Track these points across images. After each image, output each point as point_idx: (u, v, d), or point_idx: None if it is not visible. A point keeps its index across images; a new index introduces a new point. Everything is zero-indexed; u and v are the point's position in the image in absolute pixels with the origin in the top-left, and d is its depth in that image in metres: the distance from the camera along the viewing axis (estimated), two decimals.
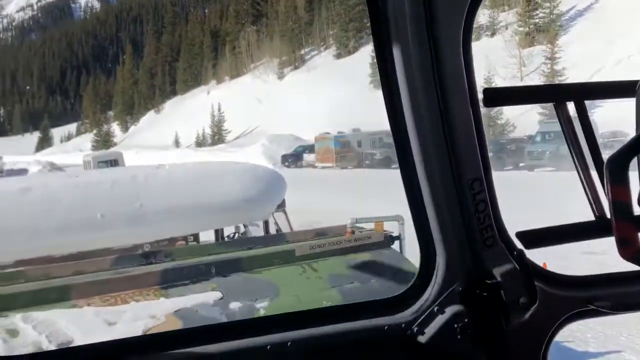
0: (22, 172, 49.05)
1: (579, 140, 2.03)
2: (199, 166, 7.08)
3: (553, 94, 2.16)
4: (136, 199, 6.39)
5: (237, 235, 8.87)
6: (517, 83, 58.53)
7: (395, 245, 5.50)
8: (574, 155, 2.02)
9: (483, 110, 1.98)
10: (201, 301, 4.36)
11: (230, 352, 1.87)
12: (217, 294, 4.43)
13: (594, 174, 2.00)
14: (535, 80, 55.29)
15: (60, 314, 4.12)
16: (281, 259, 5.02)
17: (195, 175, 6.96)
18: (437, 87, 1.89)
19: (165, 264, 5.08)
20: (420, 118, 1.91)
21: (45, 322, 4.01)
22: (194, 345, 1.86)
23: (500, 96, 2.14)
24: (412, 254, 3.81)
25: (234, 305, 4.34)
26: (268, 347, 1.90)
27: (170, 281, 4.55)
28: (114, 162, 42.04)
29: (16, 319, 4.02)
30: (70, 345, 1.91)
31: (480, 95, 1.94)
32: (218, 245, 6.25)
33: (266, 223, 7.65)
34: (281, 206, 7.57)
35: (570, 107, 2.04)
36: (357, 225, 5.71)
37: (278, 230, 7.83)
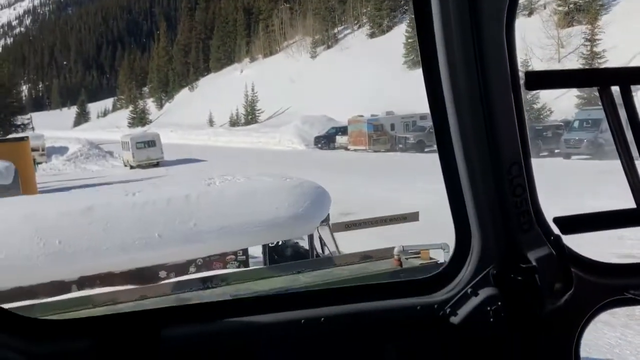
0: (63, 149, 50.46)
1: (622, 126, 1.97)
2: (248, 183, 7.34)
3: (597, 78, 2.08)
4: (190, 218, 6.72)
5: (280, 242, 9.19)
6: (555, 65, 57.24)
7: None
8: (617, 141, 1.98)
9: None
10: None
11: (265, 324, 1.91)
12: None
13: (638, 162, 1.99)
14: (574, 62, 53.98)
15: None
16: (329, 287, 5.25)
17: (244, 192, 7.25)
18: (478, 68, 1.87)
19: (223, 290, 5.37)
20: (460, 100, 1.89)
21: None
22: (228, 317, 1.91)
23: (543, 79, 2.09)
24: None
25: None
26: (302, 322, 1.92)
27: None
28: (151, 143, 42.90)
29: None
30: (110, 313, 1.98)
31: (522, 78, 1.92)
32: (268, 269, 6.52)
33: (311, 237, 7.90)
34: (326, 220, 7.81)
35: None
36: (405, 251, 5.90)
37: (322, 243, 8.08)
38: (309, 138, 51.14)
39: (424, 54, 1.93)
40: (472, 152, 1.93)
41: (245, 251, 7.34)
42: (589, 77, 2.21)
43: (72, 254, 6.13)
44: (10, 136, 50.85)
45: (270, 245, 8.77)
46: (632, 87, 2.00)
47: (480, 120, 1.90)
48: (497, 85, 1.88)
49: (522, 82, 1.90)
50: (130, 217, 6.40)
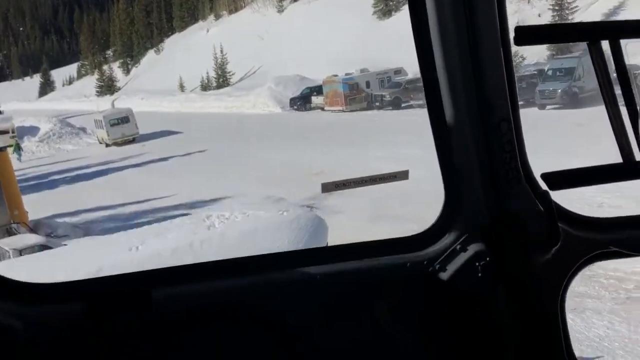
0: (34, 129, 49.40)
1: (611, 81, 1.97)
2: (246, 221, 7.48)
3: (587, 32, 2.05)
4: None
5: None
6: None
7: None
8: (605, 97, 1.97)
9: None
10: None
11: (255, 283, 1.95)
12: None
13: (625, 116, 1.99)
14: None
15: None
16: None
17: (245, 232, 7.39)
18: (467, 24, 1.86)
19: None
20: (450, 56, 1.89)
21: None
22: (219, 277, 1.95)
23: (533, 34, 2.06)
24: None
25: None
26: (295, 280, 1.98)
27: None
28: (125, 119, 42.38)
29: None
30: (99, 276, 2.00)
31: (511, 33, 1.91)
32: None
33: None
34: None
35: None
36: None
37: None
38: (284, 100, 50.65)
39: (414, 10, 1.92)
40: (462, 109, 1.93)
41: None
42: (578, 31, 2.16)
43: None
44: None
45: None
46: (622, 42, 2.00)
47: (469, 76, 1.90)
48: (487, 41, 1.87)
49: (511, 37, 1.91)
50: None
